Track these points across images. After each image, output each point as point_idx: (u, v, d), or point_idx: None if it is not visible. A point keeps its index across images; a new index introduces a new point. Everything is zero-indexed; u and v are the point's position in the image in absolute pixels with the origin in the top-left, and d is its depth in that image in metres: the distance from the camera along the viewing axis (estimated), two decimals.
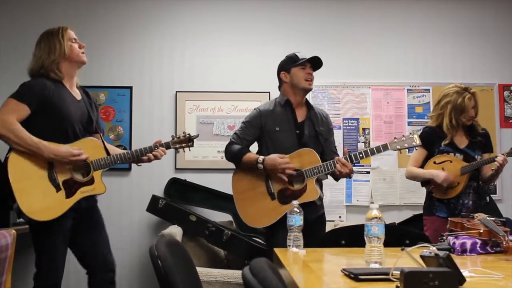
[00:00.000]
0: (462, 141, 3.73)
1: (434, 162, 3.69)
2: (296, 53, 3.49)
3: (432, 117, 3.83)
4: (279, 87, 3.57)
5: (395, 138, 3.39)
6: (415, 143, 3.33)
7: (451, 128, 3.68)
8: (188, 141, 3.39)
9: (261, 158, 3.33)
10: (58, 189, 2.95)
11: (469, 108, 3.65)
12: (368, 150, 3.34)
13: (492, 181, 3.87)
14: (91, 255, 3.18)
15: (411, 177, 3.83)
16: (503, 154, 3.59)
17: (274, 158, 3.31)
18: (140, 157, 3.24)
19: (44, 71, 3.03)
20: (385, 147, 3.32)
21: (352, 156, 3.32)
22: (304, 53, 3.49)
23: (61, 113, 3.00)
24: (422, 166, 3.76)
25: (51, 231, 2.96)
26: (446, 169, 3.63)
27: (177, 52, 4.89)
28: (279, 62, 3.56)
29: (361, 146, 4.84)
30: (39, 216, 2.89)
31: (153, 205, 4.37)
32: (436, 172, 3.62)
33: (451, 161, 3.65)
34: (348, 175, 3.36)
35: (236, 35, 4.93)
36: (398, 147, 3.34)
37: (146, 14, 4.90)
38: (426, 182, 3.77)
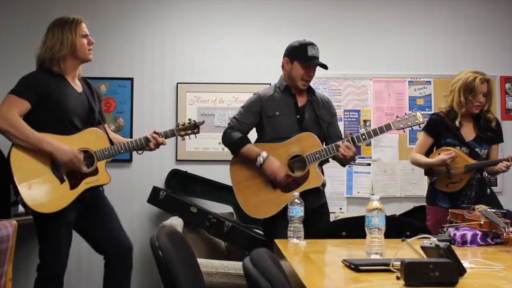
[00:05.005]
0: (469, 133, 3.70)
1: (439, 154, 3.66)
2: (308, 47, 3.35)
3: (445, 97, 3.80)
4: (282, 67, 3.50)
5: (397, 117, 3.33)
6: (418, 121, 3.28)
7: (459, 106, 3.63)
8: (194, 127, 3.37)
9: (264, 154, 3.26)
10: (62, 180, 2.96)
11: (478, 90, 3.58)
12: (371, 131, 3.29)
13: (495, 176, 3.99)
14: (107, 241, 3.20)
15: (416, 163, 3.83)
16: (507, 160, 3.57)
17: (277, 169, 3.26)
18: (144, 145, 3.23)
19: (50, 64, 3.02)
20: (388, 127, 3.28)
21: (355, 138, 3.26)
22: (316, 50, 3.38)
23: (61, 107, 3.00)
24: (427, 153, 3.75)
25: (55, 223, 2.97)
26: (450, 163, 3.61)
27: (178, 43, 4.88)
28: (288, 45, 3.47)
29: None
30: (44, 209, 2.89)
31: (154, 197, 4.37)
32: (436, 158, 3.61)
33: (456, 156, 3.60)
34: (352, 158, 3.29)
35: (237, 26, 4.92)
36: (401, 125, 3.29)
37: (147, 5, 4.88)
38: (430, 172, 3.76)
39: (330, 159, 3.42)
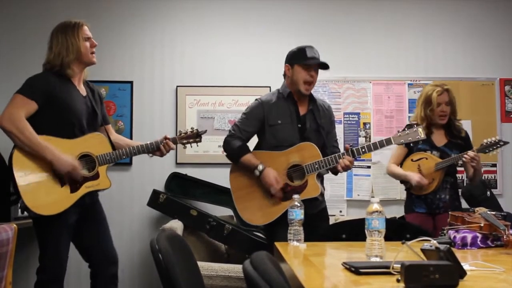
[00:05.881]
0: (440, 140, 3.84)
1: (412, 160, 3.85)
2: (307, 49, 3.37)
3: (415, 111, 4.00)
4: (284, 76, 3.51)
5: (398, 131, 3.34)
6: (419, 137, 3.27)
7: (422, 120, 3.79)
8: (196, 136, 3.41)
9: (260, 167, 3.29)
10: (62, 183, 2.96)
11: (435, 101, 3.74)
12: (371, 145, 3.30)
13: (476, 178, 3.86)
14: (94, 249, 3.20)
15: (391, 174, 3.99)
16: (473, 151, 3.65)
17: (273, 179, 3.27)
18: (146, 152, 3.25)
19: (60, 69, 3.04)
20: (388, 141, 3.27)
21: (355, 151, 3.27)
22: (314, 51, 3.39)
23: (68, 108, 3.02)
24: (402, 162, 3.90)
25: (55, 226, 2.98)
26: (422, 165, 3.77)
27: (178, 46, 4.88)
28: (288, 52, 3.48)
29: (361, 140, 4.84)
30: (44, 211, 2.90)
31: (154, 200, 4.37)
32: (411, 174, 3.76)
33: (426, 158, 3.78)
34: (348, 168, 3.33)
35: (237, 29, 4.92)
36: (402, 141, 3.29)
37: (147, 8, 4.88)
38: (405, 180, 3.89)
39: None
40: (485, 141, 3.67)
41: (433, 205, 3.76)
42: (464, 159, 3.65)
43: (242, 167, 3.38)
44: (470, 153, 3.62)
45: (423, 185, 3.72)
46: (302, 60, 3.35)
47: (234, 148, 3.40)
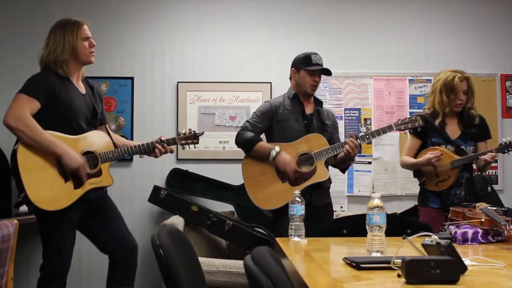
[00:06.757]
0: (454, 131, 3.74)
1: (425, 154, 3.71)
2: (312, 56, 3.63)
3: (428, 97, 3.91)
4: (290, 78, 3.76)
5: (399, 119, 3.61)
6: (418, 123, 3.52)
7: (441, 106, 3.69)
8: (194, 138, 3.46)
9: (277, 148, 3.46)
10: (66, 179, 2.98)
11: (458, 88, 3.64)
12: (374, 132, 3.57)
13: (485, 170, 3.83)
14: (112, 242, 3.23)
15: (404, 166, 3.89)
16: (491, 151, 3.58)
17: (289, 162, 3.45)
18: (147, 151, 3.26)
19: (55, 67, 3.05)
20: (390, 128, 3.54)
21: (359, 138, 3.50)
22: (318, 58, 3.63)
23: (68, 107, 3.03)
24: (416, 156, 3.79)
25: (59, 222, 2.99)
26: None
27: (179, 42, 4.87)
28: (294, 58, 3.73)
29: None
30: (47, 206, 2.91)
31: (155, 196, 4.38)
32: (422, 158, 3.67)
33: (441, 154, 3.65)
34: (355, 155, 3.51)
35: (237, 25, 4.91)
36: (402, 127, 3.55)
37: (147, 4, 4.88)
38: (418, 174, 3.80)
39: (331, 166, 3.68)
40: (504, 140, 3.61)
41: (447, 201, 3.62)
42: (484, 160, 3.58)
43: (254, 156, 3.56)
44: (489, 154, 3.55)
45: (436, 162, 3.60)
46: (307, 66, 3.61)
47: (247, 138, 3.57)
